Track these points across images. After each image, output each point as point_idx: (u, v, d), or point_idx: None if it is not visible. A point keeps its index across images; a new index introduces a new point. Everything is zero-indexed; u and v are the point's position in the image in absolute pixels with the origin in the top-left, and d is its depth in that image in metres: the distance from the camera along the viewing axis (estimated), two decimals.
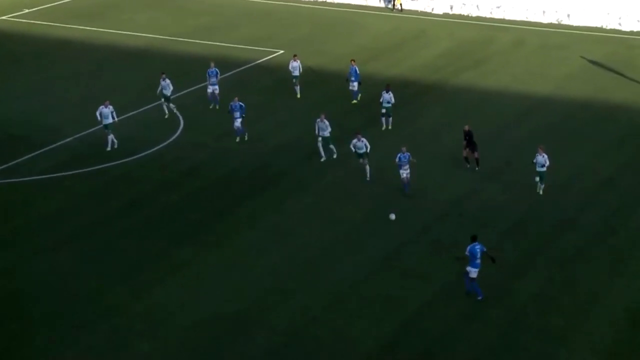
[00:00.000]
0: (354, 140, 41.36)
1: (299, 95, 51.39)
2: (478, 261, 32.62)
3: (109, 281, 34.51)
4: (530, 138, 45.01)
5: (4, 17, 66.43)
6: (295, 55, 52.40)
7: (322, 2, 71.95)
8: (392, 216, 37.41)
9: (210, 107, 49.55)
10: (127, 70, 55.56)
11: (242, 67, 56.56)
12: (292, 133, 46.66)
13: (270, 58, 57.85)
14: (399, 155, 39.81)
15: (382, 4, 70.48)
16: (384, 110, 47.21)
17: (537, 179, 39.88)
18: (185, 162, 43.86)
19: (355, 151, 41.45)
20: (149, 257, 36.20)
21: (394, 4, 69.71)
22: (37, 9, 68.50)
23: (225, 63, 55.45)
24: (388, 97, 47.03)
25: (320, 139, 43.44)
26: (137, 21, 66.50)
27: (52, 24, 65.35)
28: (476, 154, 42.47)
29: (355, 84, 50.51)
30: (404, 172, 39.90)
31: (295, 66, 51.69)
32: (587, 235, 37.20)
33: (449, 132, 46.37)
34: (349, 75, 50.50)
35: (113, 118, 44.84)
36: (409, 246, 36.60)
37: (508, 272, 34.54)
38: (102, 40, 61.88)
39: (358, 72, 50.55)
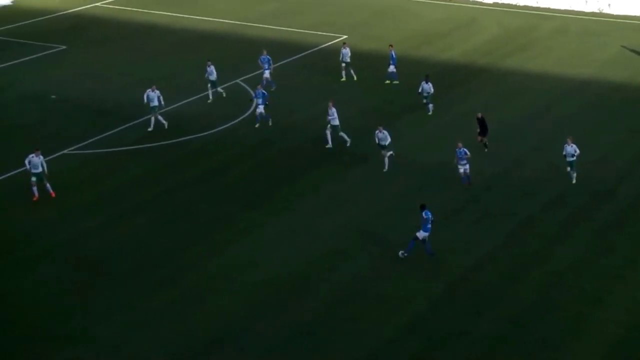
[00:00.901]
0: (377, 132, 40.14)
1: (343, 79, 51.04)
2: (429, 226, 32.89)
3: (186, 242, 34.83)
4: (573, 116, 44.76)
5: (97, 4, 66.95)
6: (344, 43, 52.25)
7: None
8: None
9: (272, 89, 49.31)
10: (204, 52, 55.81)
11: (308, 51, 56.53)
12: (350, 112, 46.68)
13: (333, 43, 57.71)
14: (456, 151, 38.50)
15: None
16: (425, 101, 46.71)
17: (568, 168, 38.89)
18: (255, 136, 44.03)
19: (378, 142, 40.25)
20: (222, 221, 36.46)
21: None
22: None
23: (291, 47, 55.52)
24: (427, 87, 46.37)
25: (329, 126, 42.52)
26: (212, 7, 66.66)
27: (138, 9, 65.76)
28: (485, 139, 41.74)
29: (392, 67, 50.21)
30: (462, 167, 38.34)
31: (345, 53, 51.37)
32: (623, 206, 36.92)
33: (496, 111, 46.14)
34: (388, 60, 50.31)
35: (159, 102, 44.54)
36: (457, 214, 36.56)
37: (549, 240, 34.41)
38: (181, 25, 62.16)
39: (395, 56, 50.27)
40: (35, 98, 48.08)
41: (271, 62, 49.80)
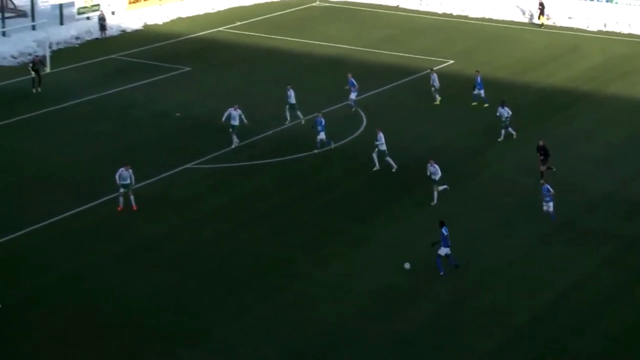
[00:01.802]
0: (428, 165, 38.42)
1: (437, 102, 50.55)
2: (449, 242, 32.51)
3: (297, 252, 34.72)
4: None
5: (220, 29, 67.64)
6: (432, 69, 51.93)
7: (486, 18, 70.82)
8: (407, 266, 33.35)
9: (353, 109, 49.20)
10: (319, 75, 55.85)
11: (417, 75, 56.11)
12: (456, 132, 46.01)
13: (441, 67, 57.16)
14: (541, 187, 37.11)
15: (532, 21, 69.00)
16: (503, 125, 45.32)
17: None
18: (365, 155, 43.77)
19: (429, 176, 38.45)
20: (331, 233, 36.31)
21: (539, 17, 68.26)
22: (247, 22, 69.45)
23: (403, 71, 55.20)
24: (504, 112, 44.99)
25: (376, 150, 41.73)
26: (328, 33, 66.78)
27: (260, 34, 66.21)
28: (545, 167, 40.17)
29: (481, 91, 49.61)
30: (545, 205, 36.54)
31: (434, 78, 50.75)
32: None
33: (601, 134, 45.08)
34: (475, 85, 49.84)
35: (241, 121, 44.32)
36: (559, 232, 35.68)
37: None
38: (299, 50, 62.37)
39: (480, 80, 49.72)
40: (163, 115, 48.65)
41: (356, 85, 49.58)
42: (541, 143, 40.63)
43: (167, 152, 43.66)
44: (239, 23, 69.05)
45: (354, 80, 49.71)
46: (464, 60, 58.19)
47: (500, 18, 70.64)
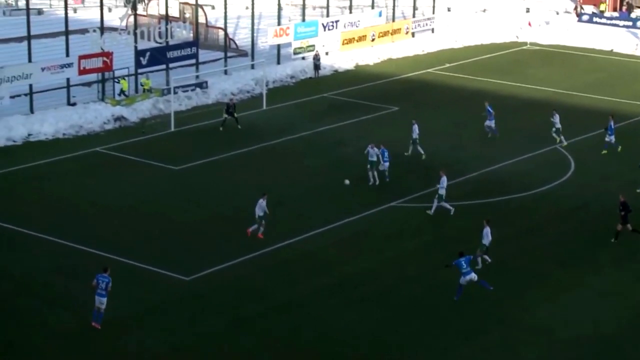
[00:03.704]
0: (483, 230, 35.91)
1: (565, 144, 49.54)
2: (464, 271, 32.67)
3: (501, 295, 33.89)
4: None
5: (429, 70, 67.60)
6: (555, 110, 50.79)
7: None
8: (347, 182, 34.84)
9: (489, 136, 50.02)
10: (522, 116, 54.82)
11: (629, 121, 54.21)
12: None
13: None
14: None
15: None
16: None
17: None
18: (572, 199, 42.50)
19: (482, 240, 36.16)
20: (537, 277, 35.35)
21: None
22: (456, 64, 69.10)
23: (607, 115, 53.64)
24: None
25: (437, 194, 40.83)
26: (536, 76, 65.60)
27: (467, 76, 65.74)
28: (630, 227, 37.36)
29: (612, 137, 47.98)
30: None
31: (555, 121, 49.68)
32: None
33: None
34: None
35: (379, 160, 43.86)
36: None
37: None
38: (505, 91, 61.56)
39: (613, 126, 47.98)
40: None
41: (492, 112, 50.04)
42: (622, 199, 37.97)
43: (370, 190, 43.65)
44: (447, 65, 68.83)
45: (490, 108, 50.10)
46: None
47: None
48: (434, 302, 33.54)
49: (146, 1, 77.49)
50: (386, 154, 44.28)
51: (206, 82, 59.13)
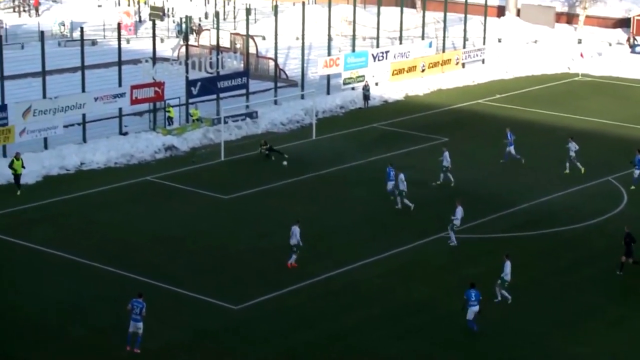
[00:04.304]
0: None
1: (567, 171, 50.15)
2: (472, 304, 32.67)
3: (552, 327, 33.69)
4: None
5: (479, 100, 67.56)
6: (571, 138, 50.88)
7: None
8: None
9: (501, 161, 50.99)
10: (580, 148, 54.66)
11: None
12: None
13: None
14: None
15: None
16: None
17: None
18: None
19: (504, 276, 35.67)
20: (588, 310, 35.13)
21: None
22: (507, 95, 68.99)
23: None
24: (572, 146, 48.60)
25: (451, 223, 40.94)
26: (587, 107, 65.30)
27: (518, 107, 65.59)
28: (631, 260, 37.27)
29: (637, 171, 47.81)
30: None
31: (571, 147, 50.23)
32: None
33: None
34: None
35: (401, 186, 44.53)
36: None
37: None
38: (555, 123, 61.39)
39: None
40: (419, 184, 48.71)
41: (511, 138, 51.33)
42: (627, 229, 37.82)
43: (419, 220, 43.57)
44: (498, 96, 68.74)
45: (510, 135, 51.33)
46: None
47: None
48: (485, 333, 33.36)
49: (198, 32, 78.47)
50: (392, 173, 45.36)
51: (256, 112, 59.65)
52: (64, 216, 43.89)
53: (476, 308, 33.07)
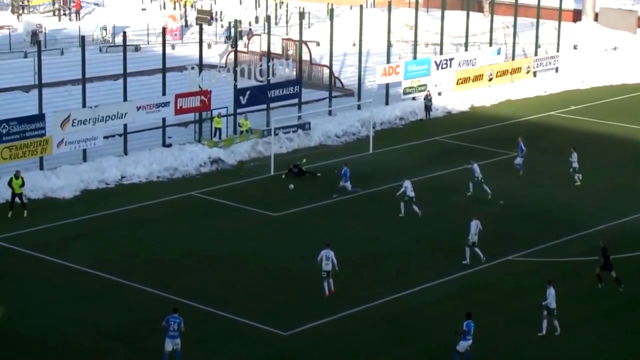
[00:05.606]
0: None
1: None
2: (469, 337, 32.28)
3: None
4: None
5: (551, 112, 67.18)
6: (574, 148, 51.65)
7: None
8: (291, 186, 46.46)
9: (520, 173, 52.03)
10: None
11: None
12: None
13: None
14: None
15: None
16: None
17: None
18: None
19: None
20: None
21: None
22: (582, 106, 68.54)
23: None
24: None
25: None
26: None
27: (595, 120, 65.14)
28: (613, 273, 37.83)
29: None
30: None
31: (574, 159, 51.21)
32: None
33: None
34: None
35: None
36: None
37: None
38: (637, 136, 60.81)
39: None
40: (485, 202, 48.54)
41: (523, 150, 52.13)
42: (602, 244, 38.49)
43: (486, 241, 43.38)
44: (573, 107, 68.33)
45: (523, 146, 52.16)
46: None
47: None
48: None
49: (247, 37, 79.04)
50: (348, 174, 48.11)
51: (309, 123, 59.84)
52: (103, 233, 44.36)
53: (470, 342, 32.70)
